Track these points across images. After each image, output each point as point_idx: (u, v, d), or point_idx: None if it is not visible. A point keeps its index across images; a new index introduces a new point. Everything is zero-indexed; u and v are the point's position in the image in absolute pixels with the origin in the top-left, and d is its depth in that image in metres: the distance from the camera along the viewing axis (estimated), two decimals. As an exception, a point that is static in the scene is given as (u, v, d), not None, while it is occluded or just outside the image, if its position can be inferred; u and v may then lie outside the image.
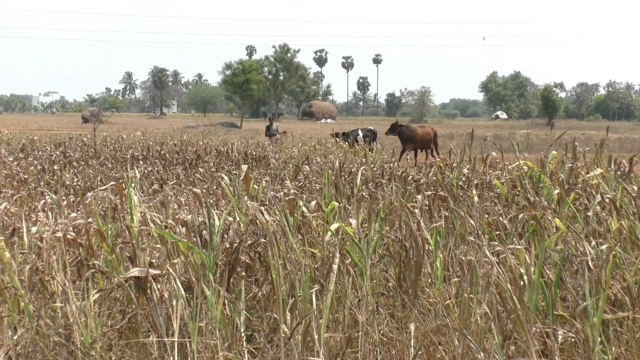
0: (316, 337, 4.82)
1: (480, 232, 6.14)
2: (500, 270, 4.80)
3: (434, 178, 10.32)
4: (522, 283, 4.74)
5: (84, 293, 5.17)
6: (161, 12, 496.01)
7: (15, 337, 5.23)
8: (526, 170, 9.51)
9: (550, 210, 6.79)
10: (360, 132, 29.96)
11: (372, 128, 32.15)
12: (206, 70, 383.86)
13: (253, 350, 5.12)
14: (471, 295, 4.92)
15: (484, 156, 11.37)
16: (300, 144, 23.45)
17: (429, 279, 5.60)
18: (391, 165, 13.37)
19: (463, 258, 5.28)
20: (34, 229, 6.22)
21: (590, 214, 6.56)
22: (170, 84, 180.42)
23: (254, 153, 17.46)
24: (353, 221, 5.73)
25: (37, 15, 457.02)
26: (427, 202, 7.33)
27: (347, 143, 23.28)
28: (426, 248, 5.64)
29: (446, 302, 5.18)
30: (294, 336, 4.70)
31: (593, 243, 5.34)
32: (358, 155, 16.74)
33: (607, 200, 7.11)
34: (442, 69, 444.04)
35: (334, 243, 5.47)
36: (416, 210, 6.38)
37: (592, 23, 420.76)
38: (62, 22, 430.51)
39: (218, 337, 4.96)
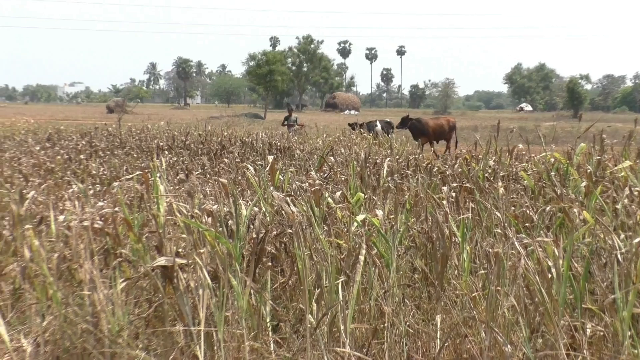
0: (342, 327, 4.82)
1: (506, 224, 6.12)
2: (528, 263, 4.80)
3: (460, 170, 10.27)
4: (550, 276, 4.71)
5: (111, 281, 5.20)
6: (186, 2, 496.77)
7: (43, 324, 5.27)
8: (553, 162, 9.44)
9: (577, 203, 6.74)
10: (378, 123, 29.81)
11: (389, 120, 31.93)
12: (230, 61, 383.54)
13: (279, 340, 5.13)
14: (498, 288, 4.88)
15: (510, 148, 11.30)
16: (324, 135, 23.41)
17: (456, 271, 5.58)
18: (416, 156, 13.34)
19: (490, 250, 5.24)
20: (61, 218, 6.26)
21: (619, 206, 6.51)
22: (194, 74, 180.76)
23: (279, 144, 17.44)
24: (379, 212, 5.72)
25: (63, 5, 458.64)
26: (453, 193, 7.30)
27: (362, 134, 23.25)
28: (453, 240, 5.62)
29: (473, 295, 5.15)
30: (320, 327, 4.70)
31: (622, 236, 5.30)
32: (383, 147, 16.68)
33: (635, 193, 7.06)
34: (466, 60, 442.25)
35: (360, 234, 5.46)
36: (443, 202, 6.36)
37: (619, 14, 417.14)
38: (87, 13, 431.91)
39: (244, 327, 4.97)
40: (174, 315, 5.15)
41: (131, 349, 4.92)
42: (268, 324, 5.09)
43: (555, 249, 4.89)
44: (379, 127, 28.79)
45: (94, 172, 11.96)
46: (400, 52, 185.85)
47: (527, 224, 6.49)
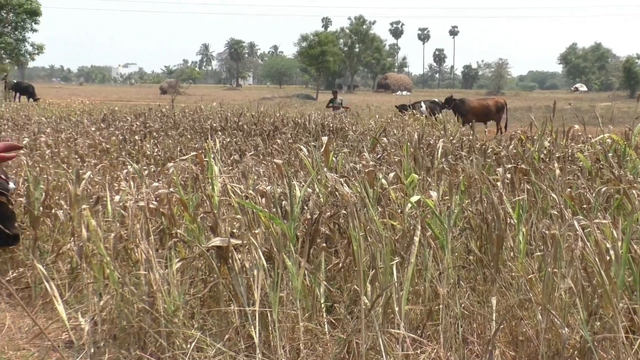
0: (397, 309, 4.80)
1: (563, 206, 6.04)
2: (585, 245, 4.73)
3: (515, 151, 10.17)
4: (608, 258, 4.63)
5: (166, 261, 5.24)
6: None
7: (100, 303, 5.34)
8: (610, 143, 9.29)
9: (636, 184, 6.64)
10: (423, 104, 29.58)
11: (436, 100, 31.61)
12: (282, 42, 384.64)
13: (333, 321, 5.14)
14: (555, 270, 4.82)
15: (566, 129, 11.15)
16: (377, 116, 23.33)
17: (511, 253, 5.53)
18: (470, 137, 13.23)
19: (546, 232, 5.18)
20: (117, 198, 6.32)
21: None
22: (247, 55, 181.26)
23: (331, 125, 17.42)
24: (434, 193, 5.68)
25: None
26: (508, 175, 7.22)
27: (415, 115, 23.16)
28: (508, 222, 5.57)
29: (529, 277, 5.10)
30: (374, 308, 4.68)
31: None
32: (436, 128, 16.58)
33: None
34: (520, 41, 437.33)
35: (415, 215, 5.43)
36: (498, 183, 6.30)
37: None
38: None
39: (298, 308, 4.98)
40: (228, 296, 5.18)
41: (187, 328, 4.96)
42: (322, 305, 5.10)
43: (614, 231, 4.80)
44: (423, 107, 28.60)
45: (148, 152, 12.05)
46: (453, 32, 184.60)
47: (584, 206, 6.41)
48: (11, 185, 6.33)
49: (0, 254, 7.08)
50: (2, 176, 6.26)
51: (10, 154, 6.48)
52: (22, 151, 7.21)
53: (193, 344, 4.82)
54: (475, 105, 27.66)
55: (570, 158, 9.14)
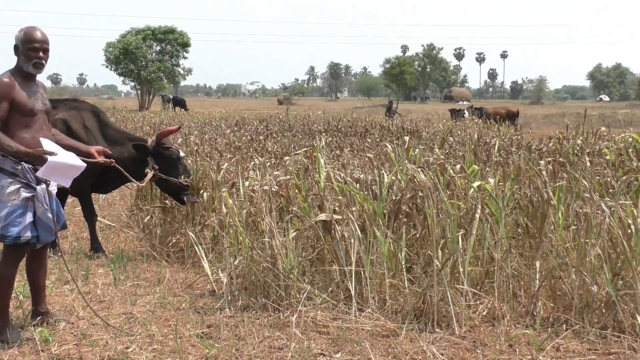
0: (461, 270, 4.81)
1: (592, 190, 5.92)
2: (611, 220, 4.70)
3: (553, 147, 10.00)
4: (629, 231, 4.60)
5: (284, 231, 5.28)
6: (337, 19, 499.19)
7: (235, 263, 5.41)
8: (630, 141, 9.07)
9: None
10: (465, 111, 29.42)
11: (479, 107, 31.19)
12: (370, 63, 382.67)
13: (411, 279, 5.10)
14: (586, 240, 4.79)
15: (594, 130, 10.92)
16: (444, 121, 23.15)
17: (552, 227, 5.40)
18: (518, 137, 13.02)
19: (580, 210, 5.09)
20: (247, 183, 6.38)
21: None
22: (343, 74, 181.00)
23: (409, 127, 17.31)
24: (491, 180, 5.59)
25: (245, 24, 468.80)
26: (549, 166, 7.07)
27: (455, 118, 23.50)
28: (549, 202, 5.44)
29: (566, 245, 4.99)
30: (443, 269, 4.66)
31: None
32: (491, 129, 16.32)
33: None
34: (556, 61, 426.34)
35: (476, 197, 5.35)
36: (542, 173, 6.16)
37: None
38: (261, 29, 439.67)
39: (385, 268, 4.98)
40: (331, 258, 5.19)
41: (300, 282, 4.99)
42: (403, 266, 5.05)
43: (634, 210, 4.79)
44: (466, 114, 28.45)
45: (269, 149, 12.14)
46: (504, 55, 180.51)
47: (609, 190, 6.27)
48: (181, 153, 6.60)
49: (163, 225, 7.25)
50: (172, 147, 6.56)
51: (173, 128, 6.84)
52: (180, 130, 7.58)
53: (304, 294, 4.86)
54: (490, 112, 27.84)
55: (598, 153, 8.88)
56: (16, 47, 4.35)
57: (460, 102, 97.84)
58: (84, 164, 4.38)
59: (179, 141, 10.98)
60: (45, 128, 4.41)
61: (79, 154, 4.59)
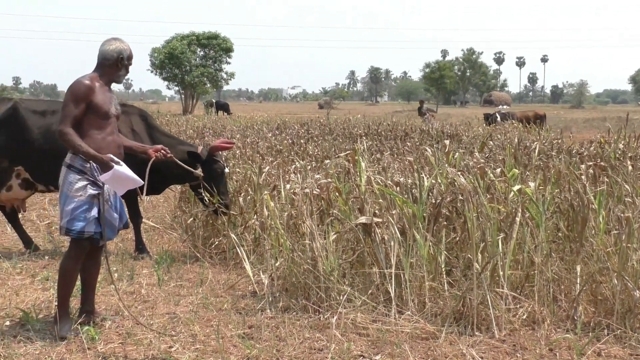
0: (501, 273, 4.78)
1: (634, 194, 5.81)
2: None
3: (595, 151, 9.82)
4: None
5: (325, 234, 5.29)
6: (377, 24, 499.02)
7: (276, 264, 5.45)
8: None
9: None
10: (497, 115, 29.37)
11: (511, 112, 31.13)
12: (410, 68, 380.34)
13: (451, 282, 5.07)
14: (628, 245, 4.70)
15: (637, 134, 10.72)
16: (484, 124, 22.97)
17: (593, 231, 5.32)
18: (559, 140, 12.85)
19: (621, 215, 4.99)
20: (288, 186, 6.41)
21: None
22: (383, 79, 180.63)
23: (449, 131, 17.20)
24: (531, 184, 5.53)
25: (287, 29, 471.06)
26: (590, 170, 6.96)
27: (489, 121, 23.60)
28: (590, 206, 5.36)
29: (607, 249, 4.92)
30: (483, 272, 4.64)
31: None
32: (531, 133, 16.13)
33: None
34: (598, 65, 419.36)
35: (516, 201, 5.29)
36: (582, 177, 6.07)
37: None
38: (303, 34, 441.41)
39: (424, 271, 4.96)
40: (371, 261, 5.19)
41: (340, 284, 5.00)
42: (443, 269, 5.03)
43: None
44: (499, 119, 28.43)
45: (310, 152, 12.16)
46: (544, 59, 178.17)
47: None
48: (226, 170, 6.83)
49: (206, 227, 7.32)
50: (221, 161, 6.65)
51: (228, 145, 6.97)
52: (234, 147, 7.64)
53: (344, 296, 4.87)
54: (518, 116, 27.80)
55: (640, 157, 8.72)
56: (121, 59, 4.60)
57: (500, 106, 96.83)
58: (142, 181, 4.53)
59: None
60: (115, 132, 4.64)
61: (132, 150, 4.90)
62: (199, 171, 6.57)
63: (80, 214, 4.35)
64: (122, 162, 4.42)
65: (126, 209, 4.80)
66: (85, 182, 4.36)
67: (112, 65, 4.57)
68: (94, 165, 4.40)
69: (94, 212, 4.40)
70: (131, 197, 6.91)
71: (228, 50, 51.05)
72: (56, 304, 4.66)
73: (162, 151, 4.94)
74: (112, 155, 4.38)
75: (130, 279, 5.98)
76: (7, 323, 4.77)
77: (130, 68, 4.70)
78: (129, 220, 4.89)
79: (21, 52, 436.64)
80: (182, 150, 6.61)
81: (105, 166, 4.33)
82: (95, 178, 4.40)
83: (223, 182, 6.86)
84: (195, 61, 50.19)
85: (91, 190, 4.37)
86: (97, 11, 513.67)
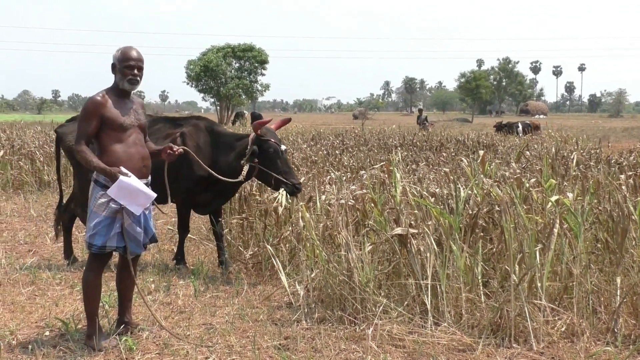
0: (539, 285, 4.74)
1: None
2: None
3: (634, 161, 9.68)
4: None
5: (360, 245, 5.29)
6: (412, 34, 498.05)
7: (312, 275, 5.46)
8: None
9: None
10: (520, 124, 29.17)
11: (528, 122, 30.97)
12: (445, 78, 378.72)
13: (488, 293, 5.03)
14: None
15: (679, 143, 10.54)
16: (520, 134, 22.78)
17: (633, 242, 5.24)
18: (597, 150, 12.68)
19: (664, 225, 4.91)
20: (323, 197, 6.42)
21: None
22: (418, 89, 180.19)
23: (485, 141, 17.10)
24: (570, 194, 5.48)
25: (321, 40, 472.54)
26: (631, 180, 6.86)
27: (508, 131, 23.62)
28: (631, 217, 5.28)
29: (649, 261, 4.84)
30: (521, 283, 4.59)
31: None
32: (568, 143, 15.96)
33: None
34: (636, 72, 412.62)
35: (554, 212, 5.23)
36: (622, 187, 5.99)
37: None
38: (337, 44, 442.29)
39: (461, 282, 4.93)
40: (407, 272, 5.18)
41: (376, 296, 5.00)
42: (479, 280, 4.99)
43: None
44: (520, 128, 28.24)
45: (345, 163, 12.19)
46: (581, 68, 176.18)
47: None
48: (282, 147, 6.54)
49: (242, 238, 7.35)
50: (273, 140, 6.48)
51: (267, 119, 6.77)
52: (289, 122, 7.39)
53: (380, 307, 4.85)
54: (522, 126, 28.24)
55: (684, 166, 8.56)
56: (113, 66, 4.58)
57: (537, 116, 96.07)
58: (154, 194, 4.52)
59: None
60: (138, 143, 4.59)
61: (154, 154, 4.78)
62: (246, 159, 6.39)
63: (102, 229, 4.37)
64: (131, 175, 4.36)
65: (153, 223, 4.76)
66: (108, 198, 4.35)
67: (115, 74, 4.57)
68: None
69: (117, 227, 4.40)
70: (182, 210, 7.01)
71: (263, 62, 51.33)
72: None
73: (170, 150, 4.79)
74: (122, 168, 4.35)
75: (167, 290, 6.03)
76: (47, 333, 4.84)
77: (136, 71, 4.55)
78: (155, 234, 4.85)
79: (60, 65, 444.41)
80: (239, 145, 6.58)
81: (114, 179, 4.30)
82: None
83: (283, 160, 6.54)
84: (230, 73, 50.55)
85: (113, 205, 4.35)
86: (134, 24, 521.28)
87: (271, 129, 6.65)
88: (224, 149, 6.69)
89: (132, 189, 4.34)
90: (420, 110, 34.07)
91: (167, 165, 4.90)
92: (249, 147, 6.44)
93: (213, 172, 5.92)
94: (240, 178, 6.36)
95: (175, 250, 7.31)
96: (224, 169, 6.42)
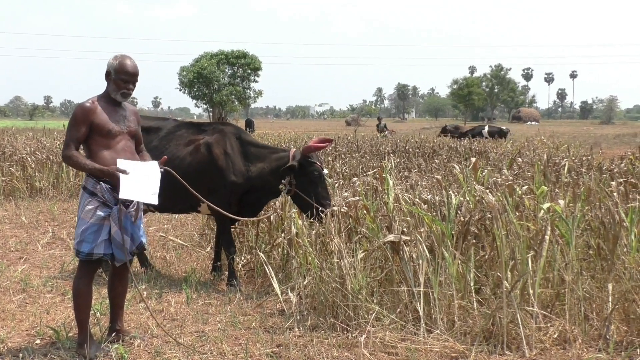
0: (531, 291, 4.75)
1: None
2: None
3: (625, 168, 9.72)
4: None
5: (353, 252, 5.29)
6: (404, 41, 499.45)
7: (304, 282, 5.45)
8: None
9: None
10: (486, 128, 29.02)
11: (503, 128, 30.51)
12: (437, 84, 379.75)
13: (480, 300, 5.03)
14: None
15: (669, 150, 10.59)
16: (511, 141, 22.83)
17: (624, 249, 5.26)
18: (588, 157, 12.73)
19: (654, 232, 4.93)
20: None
21: None
22: (410, 95, 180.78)
23: (477, 148, 17.15)
24: (561, 201, 5.49)
25: (314, 47, 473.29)
26: (622, 187, 6.87)
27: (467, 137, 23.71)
28: (622, 224, 5.30)
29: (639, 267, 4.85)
30: (513, 290, 4.60)
31: None
32: (559, 150, 16.02)
33: None
34: (628, 79, 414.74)
35: (546, 219, 5.25)
36: (614, 194, 6.00)
37: None
38: (330, 51, 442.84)
39: (453, 289, 4.93)
40: (399, 279, 5.18)
41: (368, 303, 4.99)
42: (472, 287, 4.99)
43: None
44: (485, 130, 28.10)
45: (338, 169, 12.19)
46: (573, 75, 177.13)
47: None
48: (325, 171, 6.35)
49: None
50: (318, 162, 6.36)
51: (324, 144, 6.53)
52: (332, 143, 7.30)
53: (373, 315, 4.85)
54: (464, 131, 28.82)
55: (674, 173, 8.60)
56: (108, 73, 4.56)
57: (529, 122, 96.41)
58: (159, 171, 4.50)
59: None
60: (127, 149, 4.56)
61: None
62: (286, 180, 6.20)
63: (88, 236, 4.34)
64: (132, 166, 4.32)
65: (143, 230, 4.69)
66: (95, 204, 4.34)
67: (108, 82, 4.55)
68: (105, 186, 4.35)
69: (104, 234, 4.37)
70: (222, 227, 6.60)
71: (256, 69, 51.34)
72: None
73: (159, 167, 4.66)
74: (119, 162, 4.31)
75: (159, 297, 6.01)
76: (38, 341, 4.82)
77: (131, 85, 4.55)
78: (144, 242, 4.76)
79: (52, 71, 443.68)
80: (276, 159, 6.36)
81: (115, 179, 4.25)
82: (105, 200, 4.36)
83: (323, 185, 6.31)
84: (223, 80, 50.54)
85: (100, 212, 4.34)
86: (127, 30, 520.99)
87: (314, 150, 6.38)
88: (255, 161, 6.44)
89: (138, 181, 4.30)
90: (379, 119, 37.98)
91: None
92: (289, 164, 6.18)
93: (198, 194, 5.31)
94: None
95: (171, 259, 7.26)
96: (256, 184, 6.32)
